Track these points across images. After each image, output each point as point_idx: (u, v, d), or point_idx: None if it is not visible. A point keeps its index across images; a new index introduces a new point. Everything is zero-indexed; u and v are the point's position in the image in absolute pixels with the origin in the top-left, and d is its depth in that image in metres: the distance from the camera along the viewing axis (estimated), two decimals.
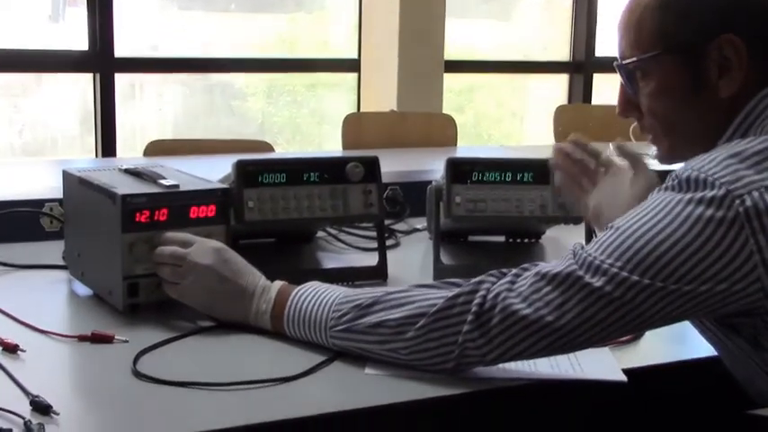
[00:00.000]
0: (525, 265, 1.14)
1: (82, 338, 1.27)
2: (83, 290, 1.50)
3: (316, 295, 1.26)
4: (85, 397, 1.13)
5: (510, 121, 5.30)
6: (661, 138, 1.22)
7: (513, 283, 1.12)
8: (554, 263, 1.12)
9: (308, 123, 4.64)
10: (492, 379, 1.16)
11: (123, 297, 1.37)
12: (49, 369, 1.19)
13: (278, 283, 1.32)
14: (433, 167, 2.18)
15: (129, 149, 3.87)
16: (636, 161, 1.36)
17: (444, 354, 1.15)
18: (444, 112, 4.04)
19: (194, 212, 1.40)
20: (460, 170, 1.63)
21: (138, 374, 1.15)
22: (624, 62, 1.20)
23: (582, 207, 1.44)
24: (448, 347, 1.14)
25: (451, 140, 3.36)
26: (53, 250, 1.65)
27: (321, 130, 4.64)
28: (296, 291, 1.28)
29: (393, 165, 2.31)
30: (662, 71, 1.17)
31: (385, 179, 1.62)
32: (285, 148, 4.40)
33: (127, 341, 1.26)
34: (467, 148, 3.72)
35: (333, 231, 1.90)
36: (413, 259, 1.80)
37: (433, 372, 1.16)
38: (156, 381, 1.13)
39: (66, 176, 1.52)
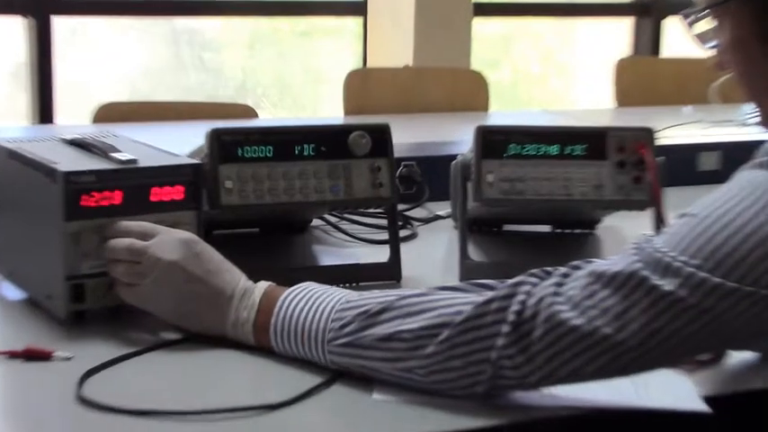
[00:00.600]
0: (576, 263, 1.14)
1: (12, 355, 1.25)
2: (12, 293, 1.48)
3: (311, 300, 1.26)
4: (17, 428, 1.12)
5: (557, 78, 5.29)
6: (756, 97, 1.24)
7: (560, 285, 1.12)
8: (613, 259, 1.11)
9: (300, 82, 4.65)
10: (532, 408, 1.15)
11: (66, 302, 1.35)
12: None
13: (263, 285, 1.32)
14: (460, 138, 2.20)
15: (74, 114, 3.88)
16: None
17: (473, 375, 1.14)
18: (473, 68, 4.03)
19: (157, 195, 1.39)
20: (494, 141, 1.61)
21: (83, 401, 1.13)
22: (693, 11, 1.23)
23: None
24: (478, 367, 1.13)
25: (482, 104, 3.36)
26: None
27: (317, 90, 4.64)
28: (285, 294, 1.28)
29: (409, 134, 2.28)
30: (736, 20, 1.19)
31: (398, 152, 1.60)
32: (272, 114, 4.39)
33: (70, 358, 1.25)
34: (502, 113, 3.73)
35: (332, 219, 1.88)
36: (433, 254, 1.80)
37: (459, 397, 1.15)
38: (106, 409, 1.11)
39: None
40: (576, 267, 1.14)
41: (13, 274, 1.50)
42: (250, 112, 3.01)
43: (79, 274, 1.36)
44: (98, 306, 1.38)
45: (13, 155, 1.46)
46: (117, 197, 1.37)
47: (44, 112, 3.87)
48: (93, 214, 1.35)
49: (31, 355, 1.25)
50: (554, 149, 1.62)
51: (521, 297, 1.12)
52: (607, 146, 1.61)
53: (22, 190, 1.44)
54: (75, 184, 1.34)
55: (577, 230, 1.88)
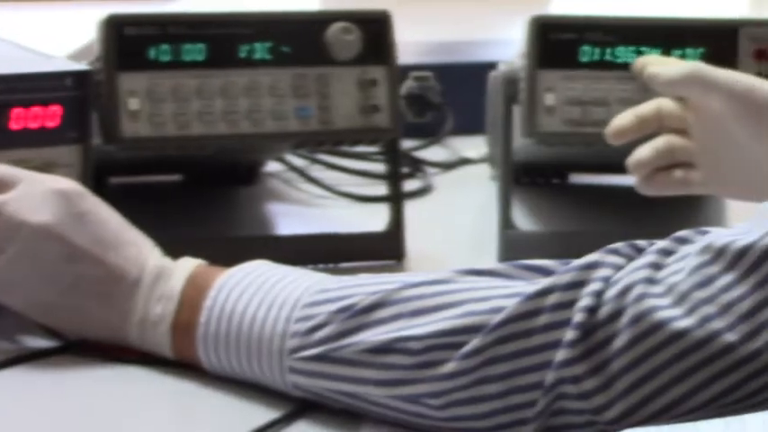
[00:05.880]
0: (682, 234, 1.11)
1: None
2: None
3: (262, 287, 1.23)
4: None
5: None
6: None
7: (657, 267, 1.08)
8: (742, 228, 1.08)
9: None
10: None
11: None
12: None
13: (188, 265, 1.28)
14: (502, 36, 2.24)
15: None
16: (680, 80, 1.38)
17: (516, 408, 1.09)
18: None
19: (19, 120, 1.36)
20: (558, 41, 1.57)
21: None
22: None
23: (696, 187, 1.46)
24: (525, 395, 1.09)
25: None
26: None
27: None
28: (223, 279, 1.24)
29: (421, 28, 2.29)
30: None
31: (405, 57, 1.56)
32: None
33: None
34: None
35: (299, 163, 1.86)
36: (457, 219, 1.77)
37: None
38: None
39: None
40: (683, 240, 1.10)
41: None
42: None
43: None
44: None
45: None
46: None
47: None
48: None
49: None
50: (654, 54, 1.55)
51: (595, 286, 1.08)
52: (740, 48, 1.58)
53: None
54: None
55: None
